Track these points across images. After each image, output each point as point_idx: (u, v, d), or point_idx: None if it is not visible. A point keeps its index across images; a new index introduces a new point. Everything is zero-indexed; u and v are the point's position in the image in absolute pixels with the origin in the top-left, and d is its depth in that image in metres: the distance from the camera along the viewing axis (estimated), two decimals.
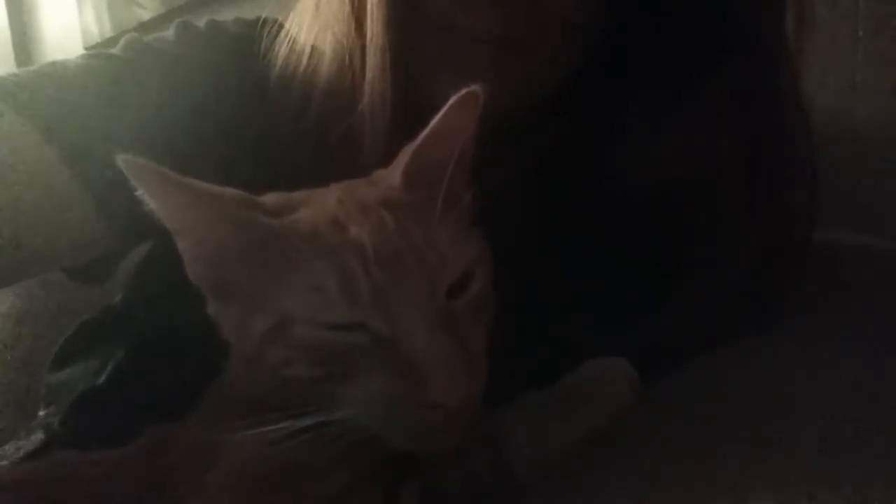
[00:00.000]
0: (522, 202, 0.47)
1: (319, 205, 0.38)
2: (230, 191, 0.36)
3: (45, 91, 0.48)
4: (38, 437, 0.57)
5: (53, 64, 0.52)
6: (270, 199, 0.39)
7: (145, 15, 1.55)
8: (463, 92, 0.37)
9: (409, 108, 0.47)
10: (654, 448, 0.37)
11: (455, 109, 0.37)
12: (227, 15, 0.62)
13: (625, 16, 0.48)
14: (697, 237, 0.48)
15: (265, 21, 0.56)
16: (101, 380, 0.56)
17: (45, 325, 0.77)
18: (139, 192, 0.35)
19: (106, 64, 0.52)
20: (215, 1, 1.28)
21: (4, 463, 0.55)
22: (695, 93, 0.48)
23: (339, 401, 0.34)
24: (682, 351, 0.43)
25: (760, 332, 0.44)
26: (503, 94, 0.39)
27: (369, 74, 0.48)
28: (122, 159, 0.34)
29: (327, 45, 0.52)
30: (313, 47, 0.53)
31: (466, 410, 0.34)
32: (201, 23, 0.59)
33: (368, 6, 0.47)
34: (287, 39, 0.54)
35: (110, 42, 0.56)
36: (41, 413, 0.59)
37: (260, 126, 0.53)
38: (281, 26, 0.56)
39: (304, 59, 0.53)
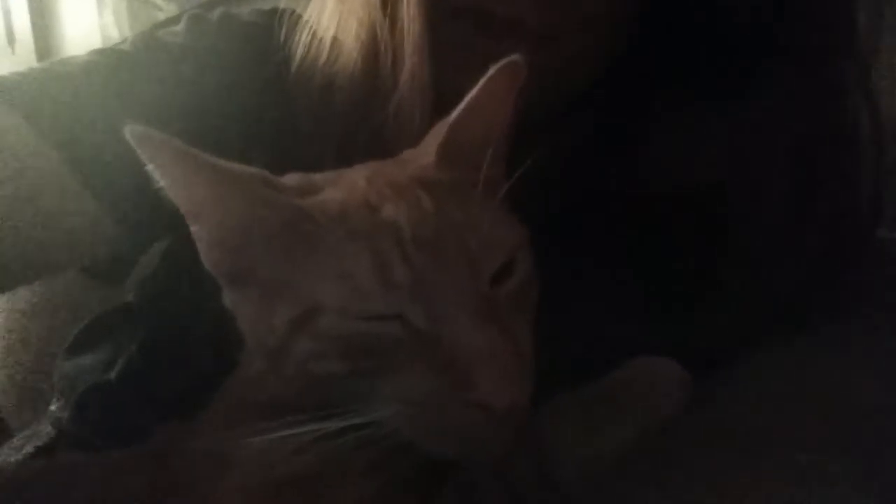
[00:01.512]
0: (549, 199, 0.45)
1: (347, 185, 0.36)
2: (251, 169, 0.34)
3: (46, 90, 0.48)
4: (48, 431, 0.57)
5: (58, 62, 0.51)
6: (291, 179, 0.37)
7: (164, 17, 1.57)
8: (503, 62, 0.35)
9: (434, 100, 0.46)
10: (699, 453, 0.35)
11: (494, 81, 0.35)
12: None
13: (663, 9, 0.47)
14: (741, 238, 0.46)
15: (283, 11, 0.56)
16: (112, 375, 0.56)
17: (60, 322, 0.76)
18: (149, 168, 0.32)
19: (112, 59, 0.52)
20: (231, 1, 1.29)
21: (14, 458, 0.55)
22: (737, 90, 0.46)
23: (371, 401, 0.32)
24: (725, 353, 0.41)
25: (811, 332, 0.42)
26: (532, 88, 0.37)
27: (407, 63, 0.47)
28: (130, 130, 0.32)
29: (351, 35, 0.50)
30: (334, 37, 0.52)
31: (517, 413, 0.31)
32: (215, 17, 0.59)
33: None
34: (307, 29, 0.54)
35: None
36: (52, 407, 0.59)
37: (278, 118, 0.51)
38: (299, 16, 0.55)
39: (326, 50, 0.52)
